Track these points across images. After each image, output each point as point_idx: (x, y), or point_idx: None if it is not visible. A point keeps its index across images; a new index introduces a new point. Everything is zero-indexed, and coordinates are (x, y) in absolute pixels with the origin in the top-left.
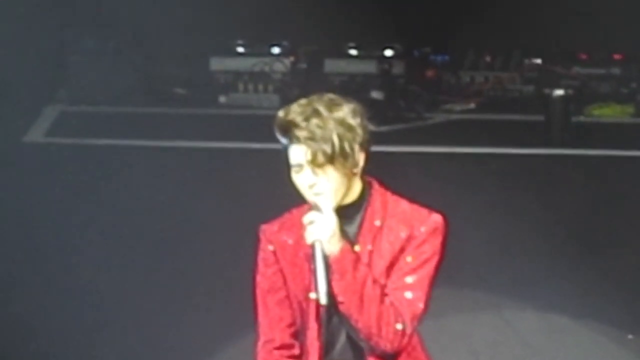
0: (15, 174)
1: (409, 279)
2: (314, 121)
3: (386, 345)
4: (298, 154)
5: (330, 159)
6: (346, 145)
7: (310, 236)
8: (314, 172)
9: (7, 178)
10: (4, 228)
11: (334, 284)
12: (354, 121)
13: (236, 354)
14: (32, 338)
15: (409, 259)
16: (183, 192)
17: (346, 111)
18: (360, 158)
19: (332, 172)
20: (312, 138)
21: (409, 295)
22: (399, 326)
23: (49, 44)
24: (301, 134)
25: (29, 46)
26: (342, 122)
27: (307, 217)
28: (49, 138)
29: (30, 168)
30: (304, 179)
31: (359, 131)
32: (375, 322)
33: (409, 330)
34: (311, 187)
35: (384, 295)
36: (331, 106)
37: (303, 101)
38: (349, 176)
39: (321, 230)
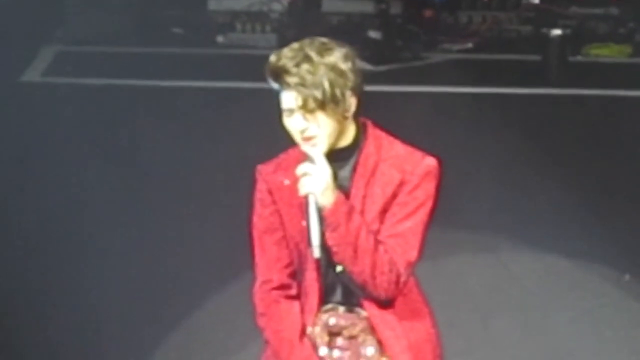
0: (12, 114)
1: (403, 226)
2: (305, 67)
3: (380, 293)
4: (289, 99)
5: (321, 105)
6: (337, 91)
7: (303, 188)
8: (305, 117)
9: (4, 118)
10: (1, 168)
11: (328, 235)
12: (345, 66)
13: (234, 295)
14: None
15: (402, 204)
16: (180, 132)
17: (338, 56)
18: (352, 102)
19: (323, 118)
20: (302, 84)
21: (402, 242)
22: (393, 274)
23: None
24: (292, 80)
25: None
26: (333, 67)
27: (300, 169)
28: (46, 78)
29: (27, 108)
30: (295, 123)
31: (351, 76)
32: (369, 271)
33: (403, 278)
34: (302, 132)
35: (378, 244)
36: (323, 51)
37: (295, 45)
38: (341, 120)
39: (314, 183)
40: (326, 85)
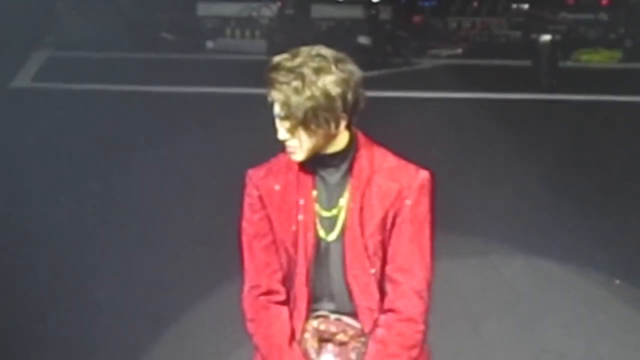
0: (3, 119)
1: (412, 247)
2: (294, 84)
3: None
4: (276, 107)
5: (302, 124)
6: (320, 114)
7: None
8: (287, 130)
9: None
10: None
11: None
12: (335, 91)
13: (223, 300)
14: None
15: (406, 222)
16: (170, 137)
17: (332, 79)
18: (342, 122)
19: (304, 135)
20: (286, 102)
21: (416, 264)
22: (422, 298)
23: None
24: (277, 95)
25: None
26: (322, 91)
27: None
28: (36, 83)
29: (18, 113)
30: (278, 132)
31: (339, 102)
32: (411, 339)
33: (427, 292)
34: (283, 142)
35: (394, 320)
36: (320, 71)
37: (298, 57)
38: (326, 136)
39: None
40: (309, 108)
